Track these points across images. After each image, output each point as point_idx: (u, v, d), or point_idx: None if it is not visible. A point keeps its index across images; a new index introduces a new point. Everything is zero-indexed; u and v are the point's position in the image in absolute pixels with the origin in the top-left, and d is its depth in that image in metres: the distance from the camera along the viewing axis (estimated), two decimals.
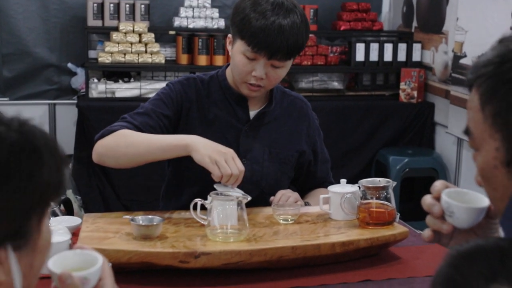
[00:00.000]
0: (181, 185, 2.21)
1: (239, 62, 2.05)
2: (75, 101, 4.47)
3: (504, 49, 1.04)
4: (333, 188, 2.05)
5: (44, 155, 0.94)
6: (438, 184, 1.27)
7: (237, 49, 2.05)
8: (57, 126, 4.80)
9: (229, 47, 2.14)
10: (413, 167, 4.47)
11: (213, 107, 2.17)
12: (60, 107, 4.81)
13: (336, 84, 4.85)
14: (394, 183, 1.98)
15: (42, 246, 0.99)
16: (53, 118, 4.80)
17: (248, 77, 2.05)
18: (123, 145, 2.00)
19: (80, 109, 4.30)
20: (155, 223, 1.82)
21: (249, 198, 1.85)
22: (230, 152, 1.91)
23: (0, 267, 0.91)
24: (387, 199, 1.95)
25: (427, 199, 1.26)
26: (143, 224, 1.82)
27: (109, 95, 4.44)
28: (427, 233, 1.29)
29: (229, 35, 2.13)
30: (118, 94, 4.45)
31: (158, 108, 2.12)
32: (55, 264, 1.09)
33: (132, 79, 4.57)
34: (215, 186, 1.93)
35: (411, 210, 3.74)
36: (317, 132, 2.31)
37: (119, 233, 1.85)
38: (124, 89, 4.45)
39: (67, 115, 4.72)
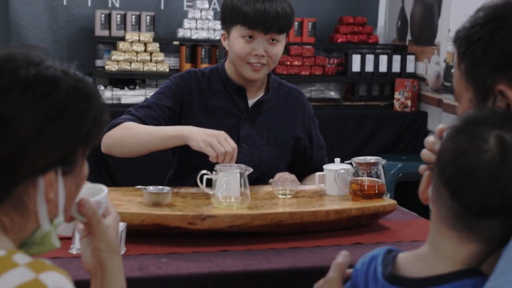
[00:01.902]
0: (186, 171, 2.39)
1: (239, 46, 2.25)
2: None
3: (476, 15, 1.23)
4: (327, 166, 2.23)
5: (92, 100, 1.12)
6: (440, 126, 1.41)
7: (234, 36, 2.26)
8: None
9: (225, 43, 2.35)
10: (407, 172, 4.64)
11: (213, 97, 2.36)
12: None
13: (333, 94, 5.06)
14: (384, 161, 2.16)
15: (82, 176, 1.17)
16: None
17: (249, 57, 2.25)
18: (127, 136, 2.20)
19: None
20: (165, 191, 2.00)
21: (251, 170, 2.03)
22: (221, 133, 2.09)
23: (51, 187, 1.08)
24: (377, 175, 2.13)
25: (430, 138, 1.29)
26: (154, 192, 2.00)
27: (115, 101, 4.63)
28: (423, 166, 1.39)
29: (223, 32, 2.34)
30: (123, 101, 4.64)
31: (161, 101, 2.31)
32: None
33: (137, 87, 4.76)
34: (216, 168, 2.10)
35: None
36: (312, 120, 2.49)
37: (132, 201, 2.02)
38: (130, 96, 4.65)
39: None
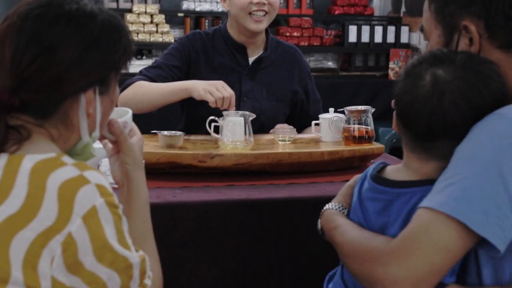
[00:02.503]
0: (193, 125, 2.62)
1: None
2: None
3: None
4: (323, 115, 2.47)
5: (122, 31, 1.34)
6: None
7: None
8: None
9: (225, 4, 2.59)
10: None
11: (217, 56, 2.60)
12: None
13: (330, 64, 5.29)
14: (373, 109, 2.40)
15: (114, 97, 1.39)
16: None
17: (250, 7, 2.49)
18: (140, 94, 2.46)
19: None
20: (178, 134, 2.25)
21: (254, 115, 2.27)
22: (219, 82, 2.36)
23: (90, 104, 1.31)
24: (367, 123, 2.37)
25: None
26: (168, 135, 2.24)
27: (123, 71, 4.85)
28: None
29: None
30: (131, 70, 4.86)
31: (169, 61, 2.57)
32: None
33: (144, 56, 4.99)
34: (223, 113, 2.34)
35: None
36: (308, 76, 2.74)
37: (148, 145, 2.26)
38: (137, 65, 4.88)
39: None
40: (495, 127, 1.21)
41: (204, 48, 2.61)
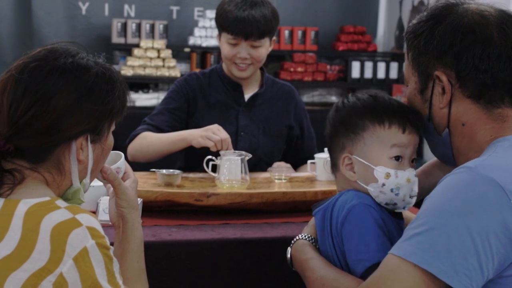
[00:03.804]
0: (193, 162, 2.69)
1: (225, 50, 2.63)
2: None
3: (421, 14, 1.52)
4: (318, 155, 2.53)
5: (116, 82, 1.42)
6: None
7: (223, 41, 2.64)
8: None
9: (219, 43, 2.70)
10: None
11: (214, 93, 2.71)
12: None
13: (334, 98, 5.37)
14: None
15: (107, 145, 1.46)
16: None
17: (235, 59, 2.61)
18: (145, 145, 2.59)
19: None
20: (176, 173, 2.31)
21: (250, 155, 2.34)
22: (214, 126, 2.46)
23: (81, 150, 1.38)
24: None
25: None
26: (166, 173, 2.31)
27: (130, 104, 4.92)
28: None
29: (218, 33, 2.71)
30: (138, 103, 4.97)
31: (169, 105, 2.68)
32: None
33: (150, 90, 5.09)
34: (220, 153, 2.40)
35: None
36: (303, 112, 2.82)
37: (147, 183, 2.34)
38: (144, 99, 4.98)
39: None
40: (462, 180, 1.27)
41: (201, 87, 2.71)
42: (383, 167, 1.51)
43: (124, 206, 1.56)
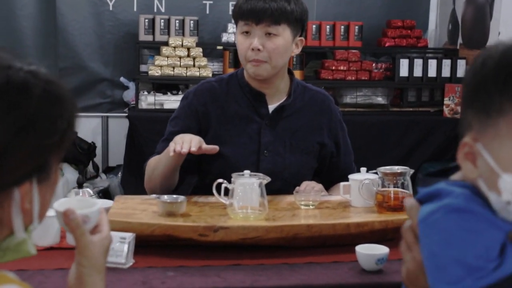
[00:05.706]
0: (208, 181, 2.30)
1: (239, 42, 2.24)
2: (126, 113, 4.65)
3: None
4: (353, 176, 2.12)
5: (64, 103, 1.06)
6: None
7: (238, 34, 2.25)
8: (110, 138, 4.98)
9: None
10: None
11: (232, 104, 2.30)
12: (113, 120, 5.00)
13: (380, 100, 4.91)
14: (412, 171, 2.04)
15: (55, 181, 1.11)
16: (105, 131, 4.99)
17: (248, 54, 2.20)
18: (151, 172, 2.25)
19: (130, 119, 4.47)
20: (179, 201, 1.93)
21: (269, 179, 1.95)
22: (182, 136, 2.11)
23: (26, 197, 1.03)
24: (404, 186, 2.02)
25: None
26: (168, 201, 1.93)
27: (157, 107, 4.60)
28: None
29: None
30: (166, 106, 4.61)
31: (174, 127, 2.32)
32: (60, 205, 1.24)
33: (180, 92, 4.73)
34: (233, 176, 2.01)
35: None
36: (340, 125, 2.39)
37: (146, 211, 1.97)
38: (172, 101, 4.61)
39: (119, 128, 4.88)
40: None
41: (215, 98, 2.30)
42: None
43: (85, 265, 1.22)
